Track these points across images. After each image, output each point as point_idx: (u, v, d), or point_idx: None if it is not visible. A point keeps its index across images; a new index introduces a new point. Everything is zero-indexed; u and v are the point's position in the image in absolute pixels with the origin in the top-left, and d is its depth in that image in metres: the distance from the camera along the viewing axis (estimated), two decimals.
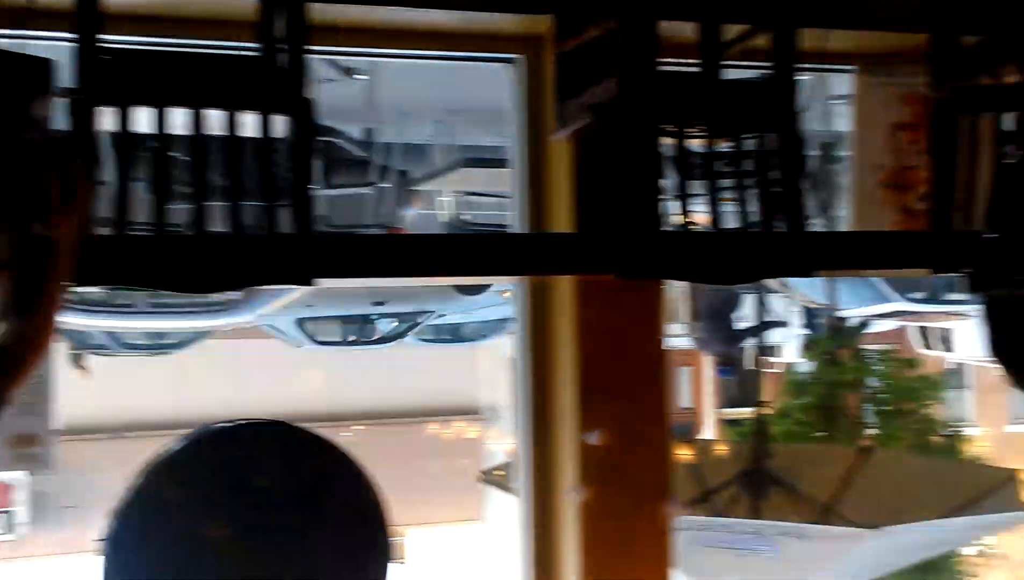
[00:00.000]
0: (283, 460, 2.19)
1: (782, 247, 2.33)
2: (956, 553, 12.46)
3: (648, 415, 2.81)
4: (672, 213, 2.31)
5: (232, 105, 2.02)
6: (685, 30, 2.55)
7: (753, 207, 2.38)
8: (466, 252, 2.36)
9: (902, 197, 3.14)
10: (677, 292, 8.03)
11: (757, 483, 5.49)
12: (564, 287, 2.77)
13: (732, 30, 2.45)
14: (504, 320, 11.66)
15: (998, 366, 2.47)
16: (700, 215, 2.37)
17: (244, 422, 2.22)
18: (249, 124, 2.06)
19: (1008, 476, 5.64)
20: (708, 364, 17.51)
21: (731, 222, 2.38)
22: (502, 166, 3.30)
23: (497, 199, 8.12)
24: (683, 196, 2.30)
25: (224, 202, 2.03)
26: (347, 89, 5.91)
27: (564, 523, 2.80)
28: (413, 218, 7.76)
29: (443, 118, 7.32)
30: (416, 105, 6.62)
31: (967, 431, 15.98)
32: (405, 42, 2.80)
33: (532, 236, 2.77)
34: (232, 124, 2.03)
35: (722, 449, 7.05)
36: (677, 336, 8.80)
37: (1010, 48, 2.19)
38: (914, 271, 2.50)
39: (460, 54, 2.86)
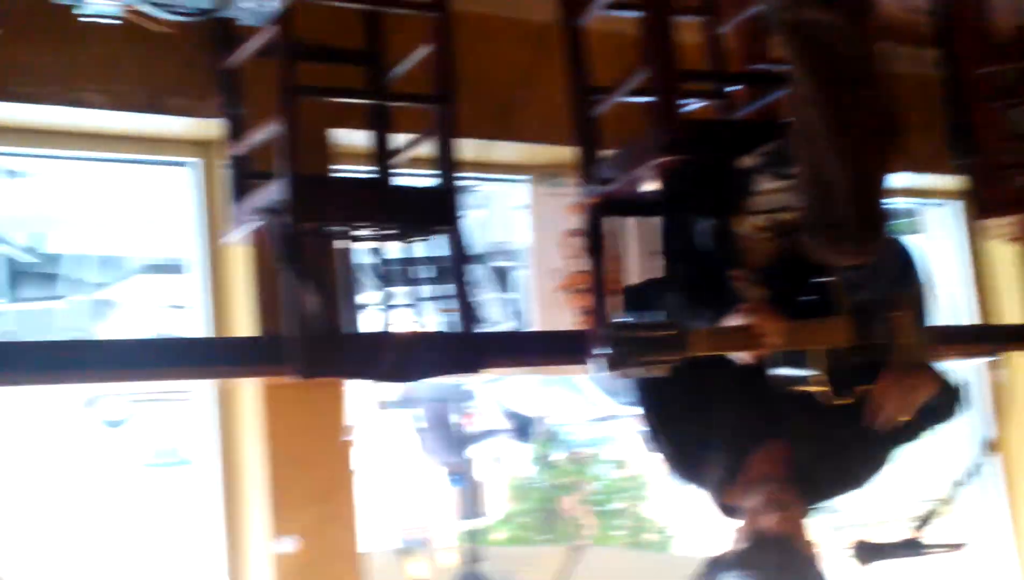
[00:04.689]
0: None
1: (452, 346, 2.41)
2: None
3: (338, 519, 2.77)
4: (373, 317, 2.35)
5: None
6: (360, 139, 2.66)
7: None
8: (149, 356, 2.35)
9: (580, 298, 3.34)
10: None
11: None
12: (250, 393, 2.72)
13: (399, 139, 2.57)
14: None
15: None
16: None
17: None
18: None
19: None
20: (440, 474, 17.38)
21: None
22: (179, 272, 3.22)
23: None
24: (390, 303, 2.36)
25: None
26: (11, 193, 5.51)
27: None
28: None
29: (120, 224, 6.99)
30: (89, 211, 6.28)
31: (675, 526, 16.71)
32: (74, 144, 2.72)
33: (208, 340, 2.71)
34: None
35: (448, 558, 7.03)
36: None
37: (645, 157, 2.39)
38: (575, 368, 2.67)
39: (132, 157, 2.79)
